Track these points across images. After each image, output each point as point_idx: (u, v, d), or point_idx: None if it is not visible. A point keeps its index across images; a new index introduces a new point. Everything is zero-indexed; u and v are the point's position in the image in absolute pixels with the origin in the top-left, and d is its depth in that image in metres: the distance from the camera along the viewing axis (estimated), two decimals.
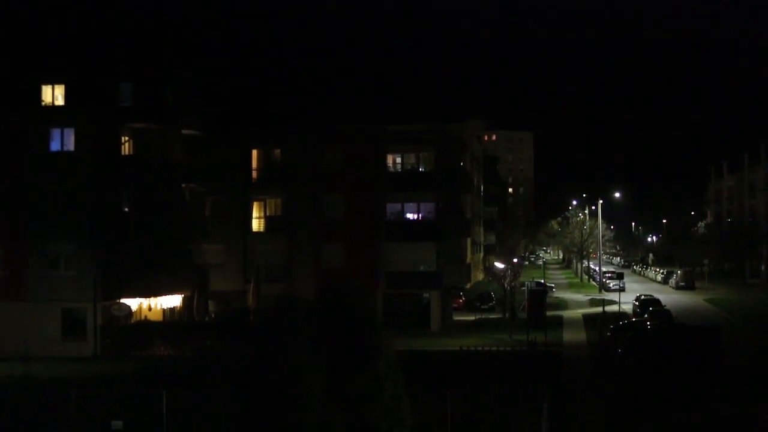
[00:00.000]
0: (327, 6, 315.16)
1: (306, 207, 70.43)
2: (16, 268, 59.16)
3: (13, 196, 59.40)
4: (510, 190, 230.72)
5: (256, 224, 72.12)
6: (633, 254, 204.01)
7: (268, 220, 72.14)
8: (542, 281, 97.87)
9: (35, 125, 59.25)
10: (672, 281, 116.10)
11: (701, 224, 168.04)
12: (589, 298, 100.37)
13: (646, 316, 67.36)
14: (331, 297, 20.86)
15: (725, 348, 51.11)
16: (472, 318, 78.94)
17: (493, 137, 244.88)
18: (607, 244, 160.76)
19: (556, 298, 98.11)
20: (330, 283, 22.44)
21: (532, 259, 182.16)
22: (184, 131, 64.92)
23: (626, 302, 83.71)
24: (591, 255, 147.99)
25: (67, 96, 59.94)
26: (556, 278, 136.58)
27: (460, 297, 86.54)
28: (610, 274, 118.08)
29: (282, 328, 19.78)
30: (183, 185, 64.59)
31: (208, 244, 67.52)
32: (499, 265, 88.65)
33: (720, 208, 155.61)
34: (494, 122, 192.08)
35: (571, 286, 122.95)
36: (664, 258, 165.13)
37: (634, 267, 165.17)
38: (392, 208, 71.38)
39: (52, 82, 60.06)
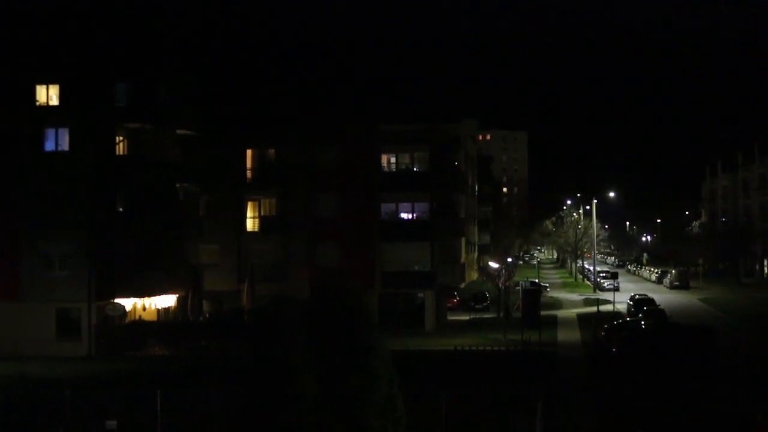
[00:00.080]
0: (321, 5, 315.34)
1: (300, 207, 70.42)
2: (10, 267, 59.08)
3: (7, 196, 59.33)
4: (504, 189, 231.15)
5: (251, 224, 72.06)
6: (627, 254, 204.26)
7: (263, 220, 72.10)
8: (536, 281, 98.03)
9: (30, 125, 59.15)
10: (666, 281, 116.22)
11: (696, 224, 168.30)
12: (584, 297, 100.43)
13: (640, 315, 67.44)
14: (325, 297, 20.90)
15: (720, 347, 51.21)
16: (467, 318, 79.04)
17: (488, 137, 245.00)
18: (602, 243, 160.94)
19: (551, 297, 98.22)
20: (324, 283, 22.46)
21: (527, 258, 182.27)
22: (179, 131, 64.86)
23: (621, 302, 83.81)
24: (585, 254, 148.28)
25: (62, 96, 59.85)
26: (550, 278, 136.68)
27: (455, 297, 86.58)
28: (604, 274, 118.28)
29: (277, 328, 19.81)
30: (177, 185, 64.53)
31: (203, 244, 67.50)
32: (494, 264, 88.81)
33: (714, 208, 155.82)
34: (488, 122, 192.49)
35: (565, 286, 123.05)
36: (658, 257, 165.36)
37: (629, 266, 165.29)
38: (387, 207, 71.43)
39: (47, 81, 59.95)
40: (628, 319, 68.39)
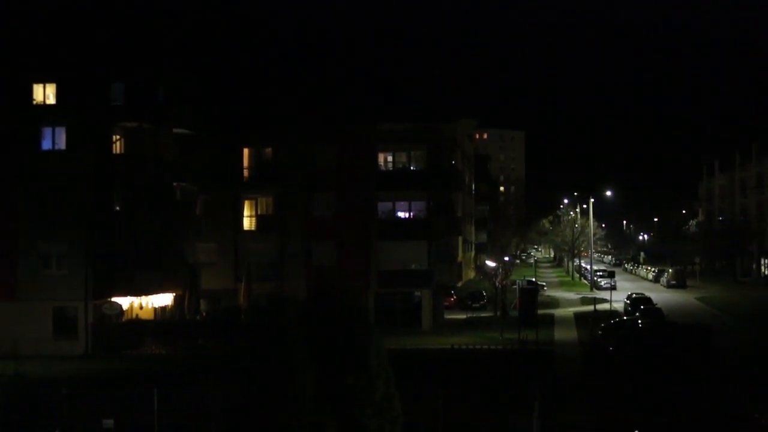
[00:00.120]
0: (320, 5, 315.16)
1: (297, 206, 70.41)
2: (7, 267, 59.02)
3: (4, 195, 59.28)
4: (501, 188, 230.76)
5: (248, 223, 72.04)
6: (624, 252, 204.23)
7: (260, 219, 72.06)
8: (534, 280, 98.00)
9: (27, 124, 59.10)
10: (663, 279, 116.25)
11: (692, 223, 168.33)
12: (581, 296, 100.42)
13: (637, 314, 67.48)
14: (322, 296, 20.94)
15: (716, 346, 51.30)
16: (464, 316, 79.02)
17: (485, 136, 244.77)
18: (599, 242, 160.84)
19: (548, 296, 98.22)
20: (321, 282, 22.50)
21: (524, 257, 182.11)
22: (176, 130, 64.82)
23: (617, 300, 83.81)
24: (582, 253, 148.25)
25: (59, 95, 59.81)
26: (547, 277, 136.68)
27: (452, 295, 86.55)
28: (601, 273, 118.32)
29: (274, 327, 19.83)
30: (174, 184, 64.50)
31: (200, 243, 67.43)
32: (491, 263, 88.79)
33: (711, 207, 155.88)
34: (486, 121, 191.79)
35: (562, 285, 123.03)
36: (655, 256, 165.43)
37: (626, 265, 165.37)
38: (383, 206, 71.41)
39: (44, 80, 59.90)
40: (625, 317, 68.46)
